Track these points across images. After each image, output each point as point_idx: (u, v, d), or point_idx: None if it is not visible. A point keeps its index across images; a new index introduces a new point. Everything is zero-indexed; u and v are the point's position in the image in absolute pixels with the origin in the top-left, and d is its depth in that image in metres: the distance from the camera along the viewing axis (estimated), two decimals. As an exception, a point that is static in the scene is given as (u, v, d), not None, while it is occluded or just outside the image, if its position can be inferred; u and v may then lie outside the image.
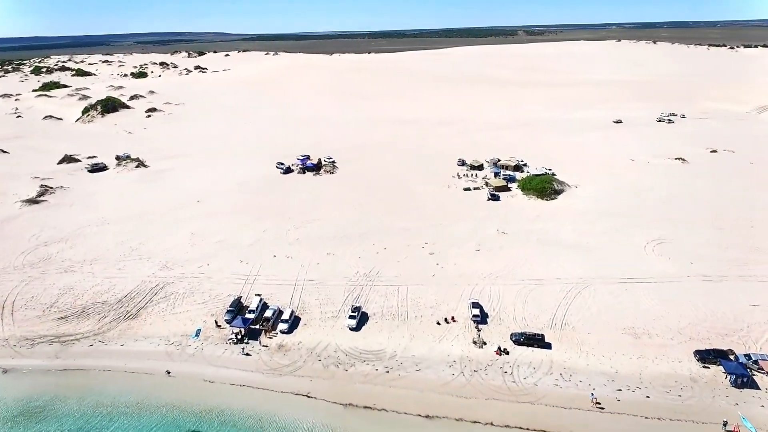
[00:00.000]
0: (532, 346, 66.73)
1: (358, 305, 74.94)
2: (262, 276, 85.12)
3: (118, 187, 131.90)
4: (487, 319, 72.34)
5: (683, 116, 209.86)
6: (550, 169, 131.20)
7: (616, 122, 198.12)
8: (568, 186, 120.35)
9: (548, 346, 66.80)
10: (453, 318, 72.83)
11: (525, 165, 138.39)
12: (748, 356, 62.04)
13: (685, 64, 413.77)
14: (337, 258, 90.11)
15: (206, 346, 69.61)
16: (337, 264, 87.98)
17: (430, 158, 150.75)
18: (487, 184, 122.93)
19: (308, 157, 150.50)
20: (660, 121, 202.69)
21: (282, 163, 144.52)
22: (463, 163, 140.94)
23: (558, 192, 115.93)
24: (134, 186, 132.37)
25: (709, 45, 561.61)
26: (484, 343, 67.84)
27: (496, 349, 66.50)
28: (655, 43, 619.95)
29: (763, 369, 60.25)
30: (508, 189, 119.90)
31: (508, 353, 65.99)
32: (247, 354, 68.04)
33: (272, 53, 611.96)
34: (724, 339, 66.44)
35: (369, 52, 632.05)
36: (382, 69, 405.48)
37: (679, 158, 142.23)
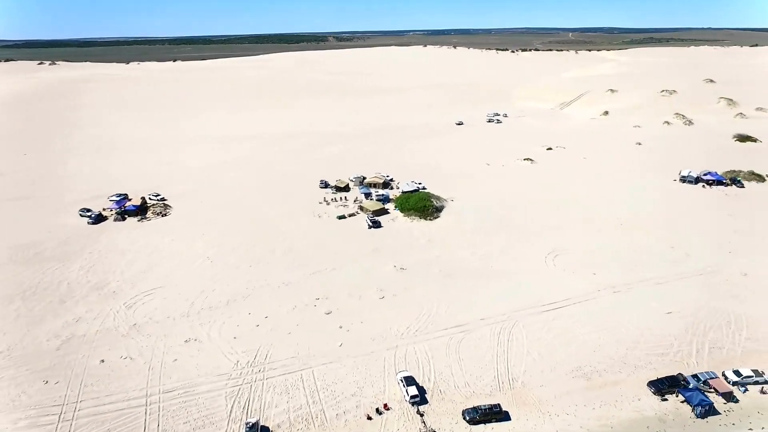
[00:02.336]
0: (491, 421, 53.78)
1: (254, 420, 52.43)
2: (87, 401, 55.89)
3: None
4: (427, 395, 57.14)
5: (506, 115, 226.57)
6: (419, 183, 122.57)
7: (458, 124, 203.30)
8: (445, 200, 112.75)
9: (507, 416, 54.59)
10: (386, 405, 55.71)
11: (392, 180, 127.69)
12: (696, 377, 58.77)
13: (488, 67, 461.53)
14: (203, 345, 65.07)
15: None
16: (203, 355, 63.12)
17: (285, 182, 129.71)
18: (362, 208, 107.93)
19: (126, 197, 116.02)
20: (490, 121, 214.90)
21: (88, 210, 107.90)
22: (326, 184, 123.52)
23: (439, 209, 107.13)
24: None
25: (497, 50, 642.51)
26: (435, 433, 52.52)
27: (451, 439, 51.69)
28: (455, 48, 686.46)
29: (713, 388, 57.28)
30: (386, 212, 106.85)
31: (466, 441, 51.79)
32: None
33: (48, 63, 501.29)
34: (663, 360, 62.77)
35: (174, 60, 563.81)
36: (196, 79, 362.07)
37: (527, 159, 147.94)
